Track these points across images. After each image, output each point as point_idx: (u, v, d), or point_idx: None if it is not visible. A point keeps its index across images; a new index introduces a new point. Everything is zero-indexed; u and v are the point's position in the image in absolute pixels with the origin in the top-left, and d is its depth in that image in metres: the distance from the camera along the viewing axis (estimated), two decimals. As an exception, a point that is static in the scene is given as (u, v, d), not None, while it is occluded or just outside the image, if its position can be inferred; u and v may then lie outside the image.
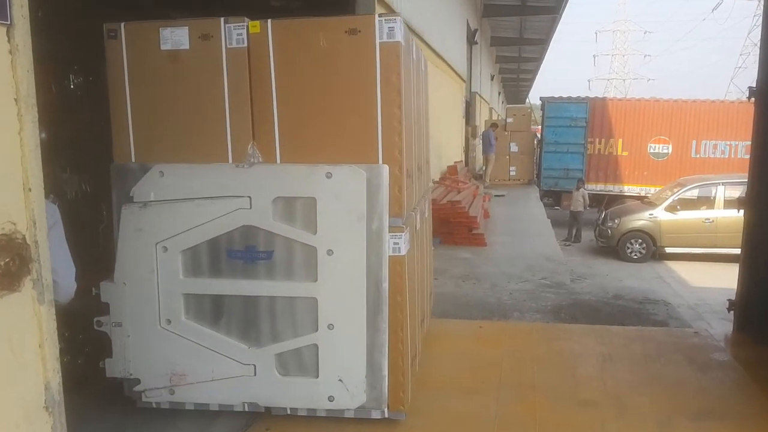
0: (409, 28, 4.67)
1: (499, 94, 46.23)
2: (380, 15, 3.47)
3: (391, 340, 3.69)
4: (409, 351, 3.90)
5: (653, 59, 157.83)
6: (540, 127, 22.42)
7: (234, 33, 3.53)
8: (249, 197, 3.61)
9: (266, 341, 3.79)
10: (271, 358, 3.77)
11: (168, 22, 3.61)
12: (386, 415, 3.78)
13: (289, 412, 3.85)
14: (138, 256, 3.70)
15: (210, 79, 3.58)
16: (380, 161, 3.54)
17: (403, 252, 3.65)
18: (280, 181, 3.60)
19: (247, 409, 3.86)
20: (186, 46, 3.56)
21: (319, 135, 3.58)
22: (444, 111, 15.15)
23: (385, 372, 3.69)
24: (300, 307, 3.70)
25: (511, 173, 21.64)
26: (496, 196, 17.52)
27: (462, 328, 5.87)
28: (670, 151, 20.31)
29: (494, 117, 30.53)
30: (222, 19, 3.54)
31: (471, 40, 21.92)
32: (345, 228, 3.58)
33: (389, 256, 3.60)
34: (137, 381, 3.83)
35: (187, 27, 3.56)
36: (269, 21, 3.53)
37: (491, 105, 34.69)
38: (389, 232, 3.59)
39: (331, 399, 3.74)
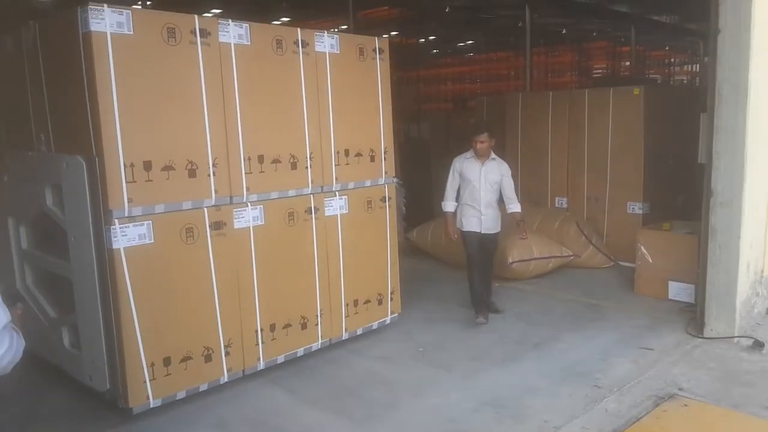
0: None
1: None
2: (89, 5, 3.45)
3: (124, 334, 3.68)
4: (159, 348, 3.79)
5: None
6: None
7: None
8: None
9: (59, 313, 4.19)
10: (63, 330, 4.16)
11: None
12: (128, 407, 3.77)
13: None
14: None
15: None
16: (94, 153, 3.56)
17: (121, 245, 3.59)
18: (50, 170, 3.93)
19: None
20: None
21: (71, 127, 3.77)
22: None
23: (118, 363, 3.72)
24: (68, 287, 3.98)
25: None
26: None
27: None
28: None
29: None
30: None
31: None
32: (77, 216, 3.71)
33: (113, 248, 3.60)
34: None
35: None
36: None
37: None
38: (110, 224, 3.58)
39: (90, 378, 3.93)
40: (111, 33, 3.50)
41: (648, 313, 5.70)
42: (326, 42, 4.64)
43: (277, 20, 28.60)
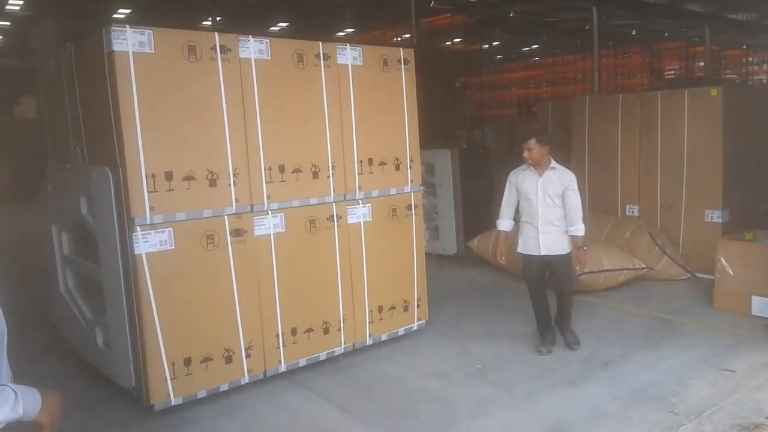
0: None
1: None
2: (112, 26, 3.70)
3: (146, 335, 3.89)
4: (179, 349, 3.99)
5: None
6: None
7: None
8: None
9: (94, 315, 4.47)
10: (97, 330, 4.44)
11: None
12: (150, 404, 3.98)
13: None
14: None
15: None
16: (118, 164, 3.80)
17: (143, 250, 3.80)
18: (83, 180, 4.22)
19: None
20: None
21: (100, 140, 4.04)
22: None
23: (141, 362, 3.94)
24: (98, 289, 4.24)
25: None
26: None
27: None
28: None
29: None
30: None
31: None
32: (105, 223, 3.97)
33: (135, 254, 3.82)
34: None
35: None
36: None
37: None
38: (133, 231, 3.80)
39: (117, 376, 4.18)
40: (133, 52, 3.73)
41: (729, 330, 5.27)
42: (348, 54, 4.75)
43: (342, 32, 29.17)
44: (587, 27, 17.91)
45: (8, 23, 20.75)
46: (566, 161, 8.83)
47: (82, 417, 4.04)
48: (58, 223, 4.79)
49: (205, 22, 23.01)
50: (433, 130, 12.38)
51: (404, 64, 5.11)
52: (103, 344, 4.39)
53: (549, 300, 5.05)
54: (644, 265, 6.70)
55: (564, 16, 24.22)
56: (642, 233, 7.05)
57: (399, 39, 27.60)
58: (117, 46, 3.67)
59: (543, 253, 4.80)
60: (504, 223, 5.01)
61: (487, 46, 27.19)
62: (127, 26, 3.72)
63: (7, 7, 18.15)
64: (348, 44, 4.76)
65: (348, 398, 4.30)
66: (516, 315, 5.70)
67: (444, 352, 5.08)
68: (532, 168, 4.80)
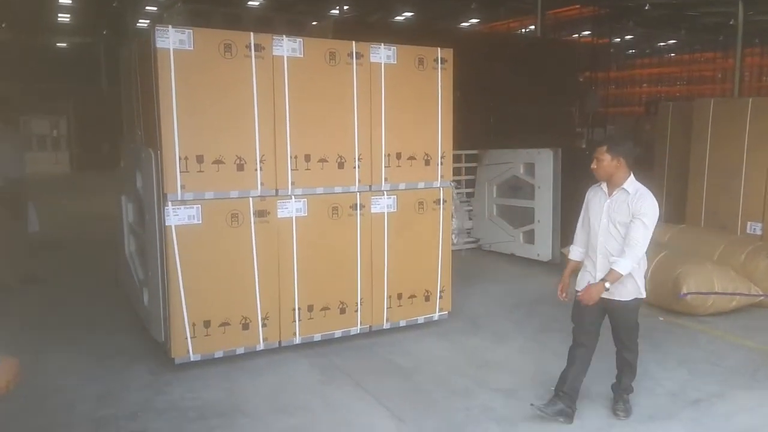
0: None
1: None
2: (156, 26, 4.27)
3: (171, 297, 4.48)
4: (200, 312, 4.53)
5: None
6: None
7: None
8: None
9: (143, 276, 5.16)
10: (144, 290, 5.12)
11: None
12: (171, 357, 4.58)
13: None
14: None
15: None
16: (158, 146, 4.39)
17: (172, 222, 4.37)
18: (139, 159, 4.88)
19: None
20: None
21: (150, 125, 4.65)
22: None
23: (166, 321, 4.55)
24: (145, 253, 4.91)
25: None
26: None
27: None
28: None
29: None
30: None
31: None
32: (149, 197, 4.60)
33: (166, 225, 4.41)
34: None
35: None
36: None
37: None
38: (166, 205, 4.39)
39: (154, 332, 4.83)
40: (174, 49, 4.28)
41: None
42: (382, 53, 5.04)
43: (466, 22, 29.09)
44: (731, 22, 16.69)
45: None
46: (684, 169, 8.33)
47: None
48: (125, 195, 5.54)
49: (332, 11, 24.07)
50: (548, 127, 12.28)
51: (441, 64, 5.32)
52: (147, 302, 5.06)
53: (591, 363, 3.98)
54: (762, 292, 6.03)
55: (705, 9, 22.61)
56: (760, 256, 6.29)
57: (523, 30, 27.18)
58: (160, 43, 4.24)
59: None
60: (575, 252, 4.10)
61: (618, 39, 26.00)
62: (170, 26, 4.27)
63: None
64: (382, 44, 5.05)
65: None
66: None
67: (519, 367, 4.77)
68: (603, 186, 3.89)
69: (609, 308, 3.85)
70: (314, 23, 13.09)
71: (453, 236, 8.49)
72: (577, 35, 25.96)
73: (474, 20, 30.75)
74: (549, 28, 23.11)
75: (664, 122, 9.42)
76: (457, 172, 8.85)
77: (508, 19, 27.05)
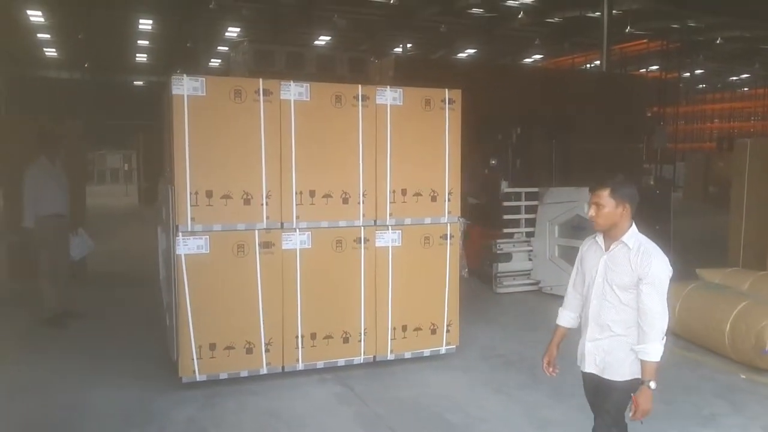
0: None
1: None
2: (173, 75, 4.74)
3: (179, 319, 4.86)
4: (206, 335, 4.88)
5: None
6: None
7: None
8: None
9: (169, 300, 5.57)
10: (167, 312, 5.53)
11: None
12: (179, 376, 4.93)
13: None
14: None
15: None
16: (174, 182, 4.83)
17: (182, 251, 4.77)
18: (164, 194, 5.33)
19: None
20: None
21: (170, 163, 5.11)
22: None
23: (178, 344, 4.92)
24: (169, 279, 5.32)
25: None
26: None
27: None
28: None
29: None
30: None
31: None
32: (169, 228, 5.04)
33: (176, 254, 4.82)
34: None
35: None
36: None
37: None
38: (177, 235, 4.81)
39: (170, 351, 5.20)
40: (188, 95, 4.73)
41: None
42: (388, 95, 5.33)
43: (529, 58, 29.20)
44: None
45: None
46: (765, 211, 7.47)
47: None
48: (160, 226, 6.02)
49: (396, 49, 24.76)
50: (614, 164, 12.04)
51: (449, 104, 5.54)
52: (169, 323, 5.46)
53: None
54: None
55: (782, 42, 21.80)
56: None
57: (589, 66, 26.91)
58: (176, 90, 4.71)
59: (587, 370, 3.16)
60: (565, 317, 3.37)
61: (687, 74, 25.37)
62: (185, 75, 4.73)
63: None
64: (388, 87, 5.34)
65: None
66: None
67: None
68: (599, 238, 3.19)
69: (600, 387, 3.15)
70: (374, 60, 13.38)
71: (507, 278, 8.62)
72: (644, 69, 25.49)
73: (537, 56, 30.77)
74: (615, 63, 22.84)
75: (742, 161, 8.57)
76: (515, 210, 8.93)
77: (573, 54, 26.93)
